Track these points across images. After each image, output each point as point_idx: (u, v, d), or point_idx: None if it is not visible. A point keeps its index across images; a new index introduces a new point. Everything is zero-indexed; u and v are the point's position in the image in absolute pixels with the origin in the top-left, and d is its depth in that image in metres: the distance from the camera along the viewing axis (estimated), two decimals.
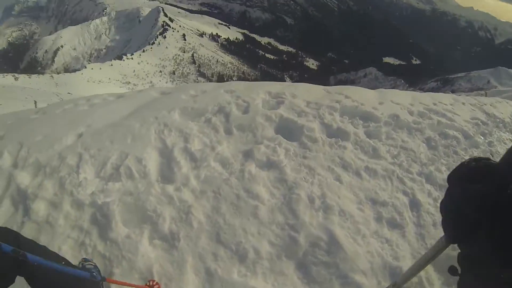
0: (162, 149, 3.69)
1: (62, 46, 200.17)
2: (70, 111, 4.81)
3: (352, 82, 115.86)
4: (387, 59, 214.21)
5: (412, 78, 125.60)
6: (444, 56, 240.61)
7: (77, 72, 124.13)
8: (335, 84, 78.30)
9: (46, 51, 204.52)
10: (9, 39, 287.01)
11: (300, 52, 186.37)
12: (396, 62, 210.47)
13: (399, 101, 5.15)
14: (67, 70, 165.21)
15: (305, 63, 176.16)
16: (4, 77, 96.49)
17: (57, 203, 3.06)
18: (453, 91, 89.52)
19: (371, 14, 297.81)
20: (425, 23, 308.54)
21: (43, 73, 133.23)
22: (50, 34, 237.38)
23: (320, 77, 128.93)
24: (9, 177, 3.45)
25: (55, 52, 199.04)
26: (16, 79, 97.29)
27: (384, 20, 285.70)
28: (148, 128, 3.91)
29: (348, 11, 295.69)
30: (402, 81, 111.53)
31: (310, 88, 5.24)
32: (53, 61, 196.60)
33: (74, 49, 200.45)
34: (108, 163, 3.45)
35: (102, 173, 3.37)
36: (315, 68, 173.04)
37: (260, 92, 4.71)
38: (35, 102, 71.98)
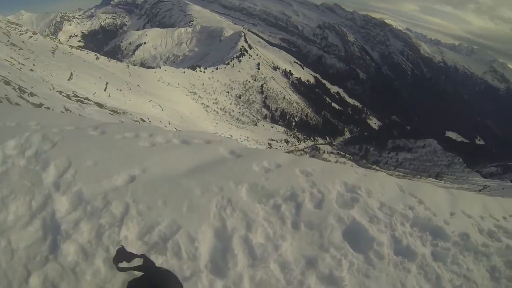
0: (220, 230, 3.28)
1: (145, 43, 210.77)
2: (129, 142, 4.39)
3: (409, 150, 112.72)
4: (450, 134, 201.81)
5: (472, 158, 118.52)
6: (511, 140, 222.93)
7: (151, 69, 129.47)
8: (392, 149, 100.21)
9: (130, 43, 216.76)
10: (102, 23, 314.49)
11: (365, 108, 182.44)
12: (459, 138, 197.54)
13: (471, 212, 4.89)
14: (143, 65, 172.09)
15: (367, 120, 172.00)
16: (87, 53, 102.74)
17: (89, 253, 2.77)
18: None
19: (443, 84, 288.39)
20: (497, 102, 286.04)
21: (121, 61, 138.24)
22: (138, 30, 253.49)
23: (379, 138, 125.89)
24: (47, 196, 3.17)
25: (137, 46, 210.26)
26: (97, 58, 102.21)
27: (455, 92, 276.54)
28: (210, 200, 3.49)
29: (421, 77, 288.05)
30: (461, 159, 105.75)
31: (385, 183, 4.85)
32: (133, 53, 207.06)
33: (155, 48, 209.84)
34: (156, 229, 3.07)
35: (147, 238, 3.01)
36: (376, 128, 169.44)
37: (337, 182, 4.36)
38: (106, 84, 74.60)
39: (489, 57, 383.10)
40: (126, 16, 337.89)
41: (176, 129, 41.99)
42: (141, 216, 3.13)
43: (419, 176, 68.29)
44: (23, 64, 65.09)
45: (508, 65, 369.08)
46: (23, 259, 2.67)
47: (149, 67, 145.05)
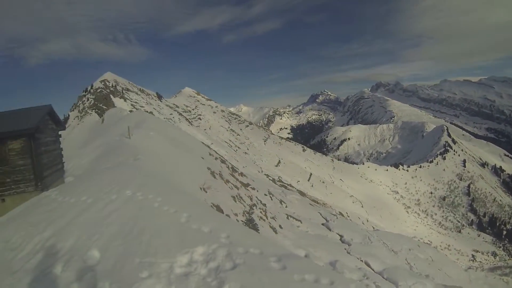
0: None
1: (349, 139, 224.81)
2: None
3: None
4: None
5: None
6: None
7: (354, 165, 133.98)
8: None
9: (334, 138, 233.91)
10: (309, 118, 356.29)
11: None
12: None
13: None
14: (346, 160, 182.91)
15: None
16: (295, 145, 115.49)
17: None
18: None
19: None
20: None
21: (326, 155, 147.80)
22: (342, 126, 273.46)
23: None
24: None
25: (342, 142, 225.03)
26: (304, 150, 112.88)
27: None
28: None
29: None
30: None
31: None
32: (338, 148, 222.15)
33: (359, 144, 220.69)
34: None
35: None
36: None
37: None
38: (310, 174, 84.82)
39: None
40: (330, 113, 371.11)
41: (373, 228, 43.88)
42: None
43: None
44: (238, 147, 78.55)
45: None
46: None
47: (352, 163, 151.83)
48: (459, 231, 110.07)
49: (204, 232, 5.31)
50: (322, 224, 20.58)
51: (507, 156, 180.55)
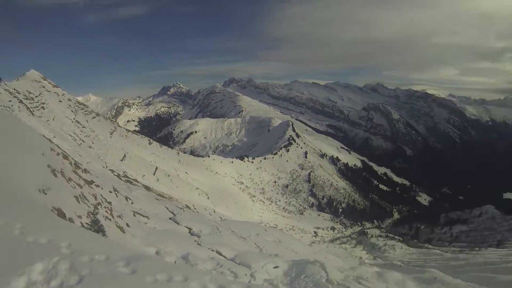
0: None
1: (196, 132, 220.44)
2: None
3: (464, 222, 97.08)
4: (508, 195, 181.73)
5: None
6: None
7: (200, 158, 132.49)
8: (445, 224, 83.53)
9: (181, 131, 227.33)
10: (158, 111, 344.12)
11: (414, 185, 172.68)
12: None
13: None
14: (192, 153, 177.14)
15: (417, 197, 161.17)
16: (142, 138, 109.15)
17: None
18: None
19: (494, 143, 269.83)
20: None
21: (172, 148, 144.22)
22: (190, 119, 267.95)
23: (430, 215, 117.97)
24: None
25: (188, 135, 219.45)
26: (150, 143, 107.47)
27: (508, 149, 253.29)
28: None
29: (470, 142, 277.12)
30: None
31: None
32: (184, 141, 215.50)
33: (205, 137, 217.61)
34: None
35: None
36: (427, 203, 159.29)
37: None
38: (156, 168, 78.48)
39: None
40: (180, 106, 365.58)
41: (220, 218, 43.33)
42: None
43: (477, 248, 58.25)
44: (83, 141, 72.35)
45: None
46: None
47: (198, 155, 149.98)
48: (302, 213, 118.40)
49: (42, 244, 4.51)
50: (170, 218, 20.48)
51: (343, 148, 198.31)
